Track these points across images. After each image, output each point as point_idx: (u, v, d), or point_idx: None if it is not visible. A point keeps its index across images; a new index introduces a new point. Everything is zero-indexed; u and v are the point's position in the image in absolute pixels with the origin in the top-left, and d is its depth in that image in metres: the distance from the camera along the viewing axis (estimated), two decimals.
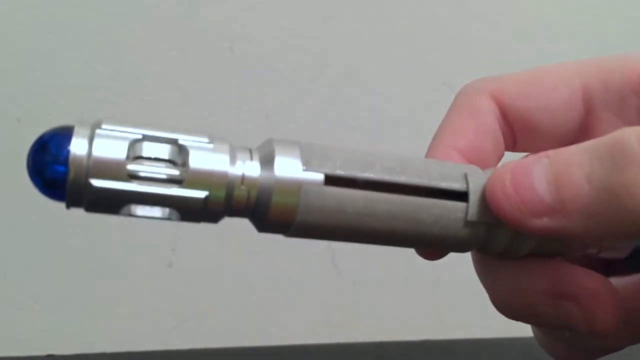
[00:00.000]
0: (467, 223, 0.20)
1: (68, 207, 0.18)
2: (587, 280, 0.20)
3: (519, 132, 0.24)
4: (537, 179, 0.18)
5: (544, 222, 0.18)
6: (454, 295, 0.64)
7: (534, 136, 0.24)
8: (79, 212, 0.60)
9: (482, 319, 0.65)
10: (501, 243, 0.20)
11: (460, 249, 0.21)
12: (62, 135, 0.17)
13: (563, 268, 0.20)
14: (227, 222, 0.64)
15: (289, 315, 0.61)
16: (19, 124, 0.52)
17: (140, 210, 0.18)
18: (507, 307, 0.21)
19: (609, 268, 0.24)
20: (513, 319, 0.22)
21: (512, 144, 0.25)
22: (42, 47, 0.52)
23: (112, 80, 0.53)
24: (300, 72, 0.57)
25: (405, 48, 0.59)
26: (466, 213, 0.20)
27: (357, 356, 0.62)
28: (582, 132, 0.24)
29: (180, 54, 0.54)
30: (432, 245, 0.21)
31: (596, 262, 0.24)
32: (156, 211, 0.18)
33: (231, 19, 0.55)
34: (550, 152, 0.19)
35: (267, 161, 0.18)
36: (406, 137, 0.60)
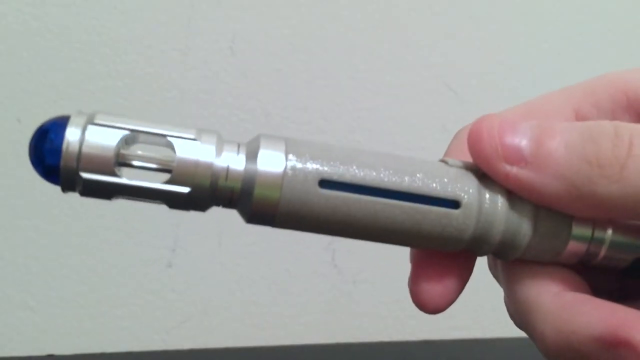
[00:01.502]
0: (450, 166, 0.21)
1: (64, 191, 0.19)
2: None
3: None
4: (522, 132, 0.20)
5: (514, 170, 0.19)
6: None
7: None
8: (78, 213, 0.60)
9: (482, 319, 0.65)
10: (498, 228, 0.20)
11: (452, 205, 0.20)
12: (59, 124, 0.18)
13: (618, 311, 0.19)
14: (227, 222, 0.64)
15: (289, 315, 0.61)
16: (19, 124, 0.52)
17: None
18: (559, 354, 0.20)
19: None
20: None
21: None
22: (42, 47, 0.52)
23: (112, 80, 0.53)
24: (300, 72, 0.57)
25: (406, 48, 0.60)
26: (446, 162, 0.21)
27: (357, 356, 0.62)
28: None
29: (180, 54, 0.54)
30: (419, 198, 0.20)
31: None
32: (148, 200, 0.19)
33: (231, 19, 0.55)
34: (542, 121, 0.20)
35: (252, 155, 0.19)
36: (406, 137, 0.60)
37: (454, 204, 0.20)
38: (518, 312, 0.21)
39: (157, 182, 0.18)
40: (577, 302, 0.20)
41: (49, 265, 0.55)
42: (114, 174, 0.18)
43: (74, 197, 0.57)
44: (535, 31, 0.63)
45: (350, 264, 0.61)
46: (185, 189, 0.18)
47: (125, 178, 0.18)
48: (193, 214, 0.57)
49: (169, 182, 0.18)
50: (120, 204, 0.57)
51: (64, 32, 0.52)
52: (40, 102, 0.52)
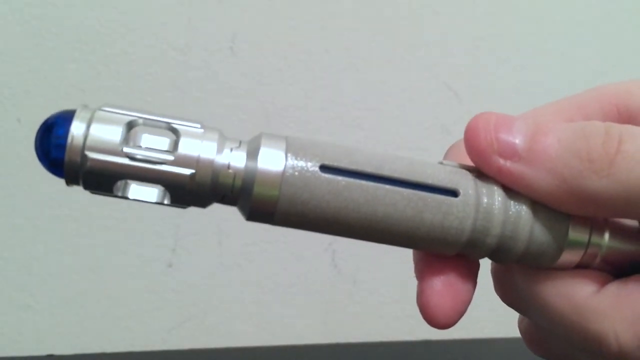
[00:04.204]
0: (444, 165, 0.21)
1: (68, 184, 0.19)
2: None
3: None
4: (517, 127, 0.20)
5: (507, 164, 0.20)
6: None
7: None
8: (78, 213, 0.60)
9: (482, 319, 0.65)
10: (498, 217, 0.20)
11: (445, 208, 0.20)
12: (64, 118, 0.18)
13: None
14: (227, 222, 0.63)
15: (289, 315, 0.61)
16: (19, 124, 0.52)
17: (133, 190, 0.19)
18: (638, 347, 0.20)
19: None
20: None
21: None
22: (42, 47, 0.52)
23: (112, 80, 0.53)
24: (300, 72, 0.57)
25: (406, 48, 0.59)
26: (442, 163, 0.21)
27: (357, 356, 0.62)
28: None
29: (180, 54, 0.54)
30: (416, 198, 0.20)
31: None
32: (149, 194, 0.19)
33: (231, 19, 0.55)
34: (537, 119, 0.21)
35: (253, 153, 0.19)
36: (406, 137, 0.60)
37: (453, 192, 0.20)
38: (556, 321, 0.21)
39: (162, 164, 0.18)
40: (636, 292, 0.20)
41: (49, 265, 0.55)
42: (119, 154, 0.18)
43: (74, 197, 0.57)
44: (536, 31, 0.63)
45: (350, 264, 0.61)
46: (188, 171, 0.18)
47: (128, 159, 0.18)
48: (193, 213, 0.57)
49: (172, 163, 0.18)
50: (121, 204, 0.57)
51: (64, 32, 0.52)
52: (40, 102, 0.52)
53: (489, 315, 0.64)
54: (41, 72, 0.52)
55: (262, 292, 0.60)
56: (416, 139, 0.61)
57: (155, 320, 0.58)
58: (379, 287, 0.62)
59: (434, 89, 0.61)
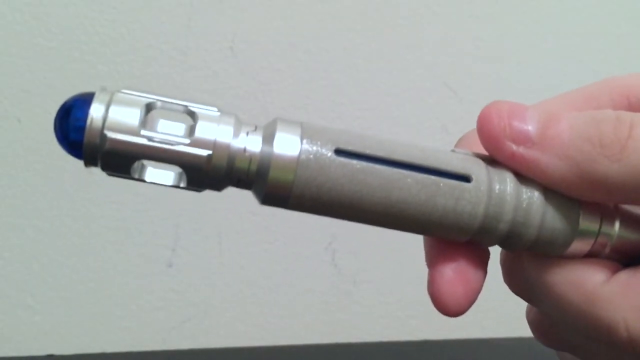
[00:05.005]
0: (456, 152, 0.21)
1: (86, 165, 0.19)
2: None
3: None
4: (530, 115, 0.21)
5: (520, 150, 0.20)
6: None
7: None
8: (78, 213, 0.60)
9: (482, 319, 0.65)
10: (510, 203, 0.20)
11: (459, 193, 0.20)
12: (83, 100, 0.19)
13: None
14: (227, 222, 0.63)
15: (289, 315, 0.61)
16: (19, 124, 0.52)
17: (150, 173, 0.19)
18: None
19: None
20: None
21: None
22: (42, 47, 0.52)
23: (112, 80, 0.53)
24: (300, 72, 0.57)
25: (406, 48, 0.60)
26: (454, 151, 0.21)
27: (357, 356, 0.62)
28: None
29: (180, 54, 0.54)
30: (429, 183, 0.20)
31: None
32: (165, 176, 0.19)
33: (231, 19, 0.55)
34: (549, 107, 0.21)
35: (269, 137, 0.19)
36: (406, 137, 0.60)
37: (465, 178, 0.20)
38: (565, 310, 0.21)
39: (180, 145, 0.18)
40: None
41: (49, 265, 0.55)
42: (137, 135, 0.18)
43: (74, 197, 0.57)
44: (536, 31, 0.63)
45: (350, 264, 0.61)
46: (205, 152, 0.19)
47: (146, 140, 0.18)
48: (193, 213, 0.57)
49: (190, 144, 0.19)
50: (121, 204, 0.57)
51: (64, 32, 0.52)
52: (40, 102, 0.52)
53: (489, 315, 0.64)
54: (41, 72, 0.52)
55: (262, 292, 0.60)
56: (416, 139, 0.61)
57: (155, 320, 0.58)
58: (379, 287, 0.62)
59: (434, 89, 0.61)
